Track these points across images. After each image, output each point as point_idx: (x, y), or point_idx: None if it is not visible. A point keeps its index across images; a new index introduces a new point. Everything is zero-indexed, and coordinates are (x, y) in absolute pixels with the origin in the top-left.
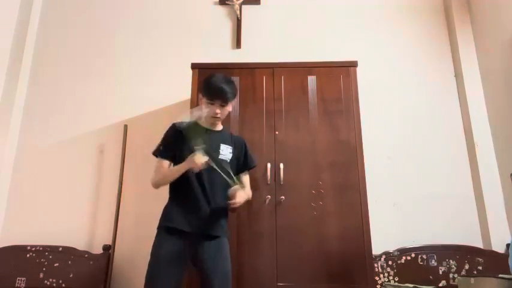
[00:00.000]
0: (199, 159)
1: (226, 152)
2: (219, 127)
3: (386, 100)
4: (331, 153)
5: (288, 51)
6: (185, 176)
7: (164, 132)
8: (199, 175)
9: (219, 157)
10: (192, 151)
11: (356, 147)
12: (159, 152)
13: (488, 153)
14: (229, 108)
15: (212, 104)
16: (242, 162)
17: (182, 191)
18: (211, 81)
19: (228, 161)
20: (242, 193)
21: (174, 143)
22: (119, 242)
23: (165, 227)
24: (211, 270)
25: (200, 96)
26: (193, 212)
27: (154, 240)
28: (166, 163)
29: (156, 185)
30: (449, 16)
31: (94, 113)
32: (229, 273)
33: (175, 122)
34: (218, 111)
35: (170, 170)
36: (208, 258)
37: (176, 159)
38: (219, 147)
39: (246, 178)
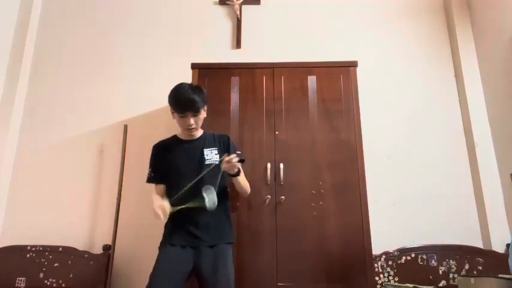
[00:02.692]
0: (161, 211)
1: (211, 155)
2: (198, 133)
3: (386, 100)
4: (331, 153)
5: (288, 51)
6: (177, 189)
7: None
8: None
9: (206, 163)
10: (180, 163)
11: (356, 147)
12: (151, 179)
13: (488, 153)
14: (202, 115)
15: (184, 117)
16: None
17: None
18: (177, 94)
19: (218, 162)
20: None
21: (160, 162)
22: (118, 242)
23: (166, 243)
24: (212, 279)
25: (171, 109)
26: (190, 224)
27: (158, 255)
28: (160, 187)
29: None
30: (449, 16)
31: (94, 113)
32: (231, 281)
33: (154, 143)
34: (192, 122)
35: (152, 199)
36: (208, 268)
37: (164, 176)
38: (202, 154)
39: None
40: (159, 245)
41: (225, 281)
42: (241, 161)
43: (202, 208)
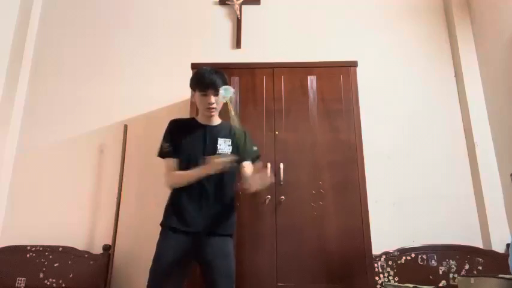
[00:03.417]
0: (221, 163)
1: (224, 146)
2: (217, 121)
3: (386, 100)
4: (331, 153)
5: (288, 51)
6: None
7: (164, 132)
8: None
9: (218, 152)
10: (192, 144)
11: (356, 147)
12: (168, 153)
13: (488, 153)
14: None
15: (205, 95)
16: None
17: (183, 189)
18: (201, 73)
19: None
20: (255, 176)
21: (175, 138)
22: (118, 242)
23: (168, 227)
24: (215, 269)
25: (192, 93)
26: (195, 211)
27: (159, 238)
28: (175, 163)
29: (172, 187)
30: (449, 16)
31: (94, 113)
32: (233, 273)
33: (172, 119)
34: (213, 100)
35: (187, 174)
36: (211, 258)
37: (176, 153)
38: (216, 142)
39: (254, 166)
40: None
41: (229, 275)
42: (257, 157)
43: (206, 196)
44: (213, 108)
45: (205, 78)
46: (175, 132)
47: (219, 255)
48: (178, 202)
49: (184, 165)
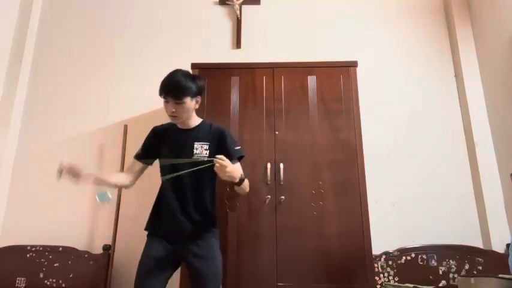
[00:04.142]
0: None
1: (200, 150)
2: (195, 122)
3: (386, 100)
4: (331, 153)
5: (288, 51)
6: (162, 181)
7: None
8: (172, 172)
9: (194, 157)
10: (170, 150)
11: (356, 147)
12: (136, 156)
13: (488, 153)
14: (188, 104)
15: (166, 102)
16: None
17: (161, 195)
18: (166, 77)
19: (205, 159)
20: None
21: (151, 145)
22: (118, 242)
23: (148, 232)
24: (199, 271)
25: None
26: (171, 216)
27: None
28: (135, 165)
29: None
30: (449, 16)
31: (94, 113)
32: (218, 273)
33: (154, 126)
34: (172, 109)
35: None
36: (194, 260)
37: (147, 158)
38: (192, 147)
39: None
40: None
41: (214, 275)
42: (240, 157)
43: (179, 202)
44: (174, 116)
45: (167, 83)
46: (154, 139)
47: (202, 256)
48: (158, 206)
49: (163, 171)
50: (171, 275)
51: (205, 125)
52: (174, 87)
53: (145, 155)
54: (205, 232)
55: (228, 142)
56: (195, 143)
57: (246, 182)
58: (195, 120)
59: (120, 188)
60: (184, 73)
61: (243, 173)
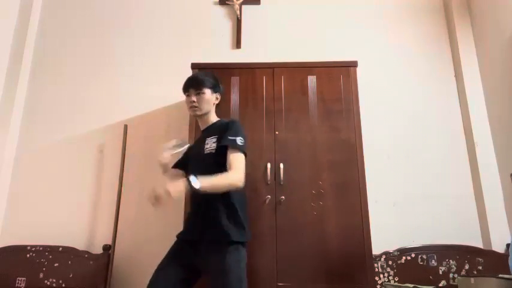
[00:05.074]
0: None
1: (210, 144)
2: (212, 120)
3: (386, 100)
4: (331, 153)
5: (288, 51)
6: None
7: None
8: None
9: (205, 152)
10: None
11: (356, 147)
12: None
13: (488, 153)
14: (207, 95)
15: (188, 95)
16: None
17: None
18: (188, 77)
19: (214, 151)
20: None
21: (186, 152)
22: (118, 242)
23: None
24: (211, 282)
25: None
26: (192, 217)
27: None
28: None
29: None
30: (449, 16)
31: (94, 113)
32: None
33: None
34: (193, 99)
35: None
36: (206, 270)
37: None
38: (204, 143)
39: (230, 157)
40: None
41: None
42: (235, 147)
43: (198, 200)
44: (195, 107)
45: (187, 79)
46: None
47: (214, 269)
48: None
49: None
50: (181, 280)
51: (220, 121)
52: (193, 77)
53: (177, 163)
54: (219, 236)
55: (228, 131)
56: (207, 138)
57: (217, 184)
58: (214, 118)
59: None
60: (203, 72)
61: (233, 177)
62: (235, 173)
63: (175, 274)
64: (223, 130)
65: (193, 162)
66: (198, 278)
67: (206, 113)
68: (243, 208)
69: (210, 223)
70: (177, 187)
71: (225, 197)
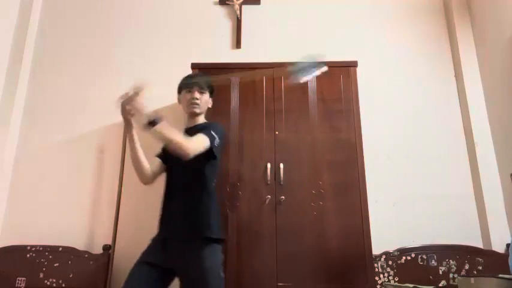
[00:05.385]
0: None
1: None
2: (199, 121)
3: (386, 100)
4: (331, 153)
5: (288, 51)
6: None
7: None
8: (169, 172)
9: None
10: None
11: (356, 147)
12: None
13: (488, 153)
14: (207, 99)
15: (190, 92)
16: None
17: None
18: (186, 76)
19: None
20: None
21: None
22: (118, 242)
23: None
24: (185, 283)
25: (178, 94)
26: (164, 214)
27: None
28: (154, 161)
29: None
30: (449, 16)
31: (94, 113)
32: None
33: None
34: (197, 95)
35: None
36: (182, 268)
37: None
38: None
39: (198, 134)
40: None
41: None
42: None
43: (170, 196)
44: (196, 103)
45: (191, 75)
46: None
47: (192, 268)
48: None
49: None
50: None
51: (206, 123)
52: (199, 76)
53: (162, 155)
54: (196, 234)
55: (207, 127)
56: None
57: (173, 136)
58: (202, 120)
59: (120, 189)
60: (203, 73)
61: (159, 121)
62: (193, 143)
63: (150, 275)
64: (203, 128)
65: (174, 160)
66: (172, 278)
67: (200, 114)
68: (216, 206)
69: (184, 220)
70: (142, 108)
71: (198, 195)
